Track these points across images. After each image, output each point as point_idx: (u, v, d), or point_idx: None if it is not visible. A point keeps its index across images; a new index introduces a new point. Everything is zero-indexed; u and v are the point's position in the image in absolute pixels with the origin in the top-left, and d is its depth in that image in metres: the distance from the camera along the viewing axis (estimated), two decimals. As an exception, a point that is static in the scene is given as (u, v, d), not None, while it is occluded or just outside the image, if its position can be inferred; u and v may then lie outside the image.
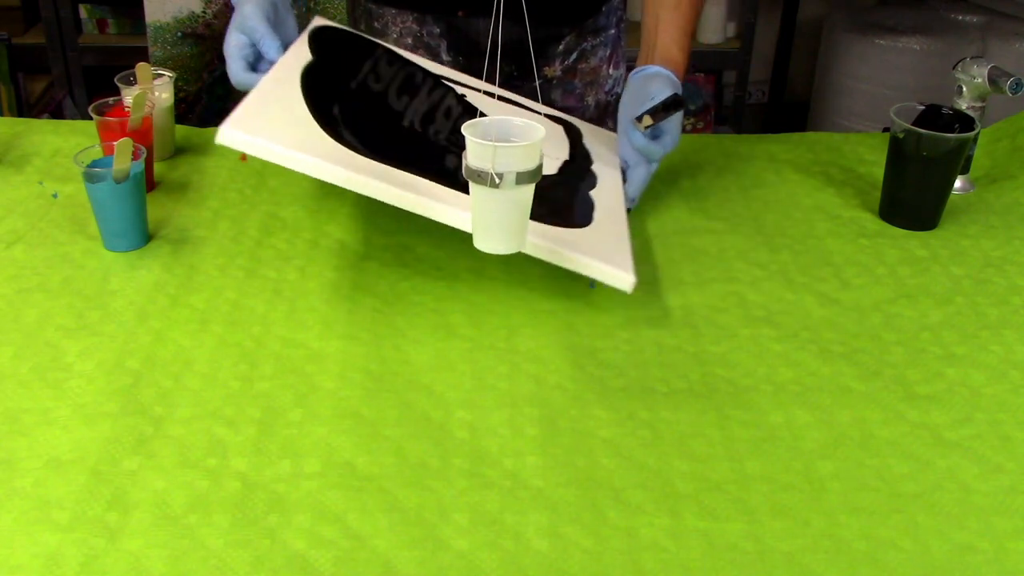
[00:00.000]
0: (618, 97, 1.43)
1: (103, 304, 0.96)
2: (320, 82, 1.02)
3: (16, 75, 2.51)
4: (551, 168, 1.07)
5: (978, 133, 1.18)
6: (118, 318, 0.94)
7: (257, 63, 1.08)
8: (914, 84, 2.70)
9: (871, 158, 1.31)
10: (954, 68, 1.21)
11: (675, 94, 1.10)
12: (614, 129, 1.29)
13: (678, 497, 0.75)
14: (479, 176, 0.80)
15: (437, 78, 1.17)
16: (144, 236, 1.06)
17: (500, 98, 1.18)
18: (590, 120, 1.41)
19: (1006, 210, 1.19)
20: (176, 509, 0.73)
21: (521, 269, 1.03)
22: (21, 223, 1.10)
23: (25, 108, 2.55)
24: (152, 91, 1.21)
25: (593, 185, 1.08)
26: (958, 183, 1.22)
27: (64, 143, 1.27)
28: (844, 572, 0.69)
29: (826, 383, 0.88)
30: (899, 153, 1.13)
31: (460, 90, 1.18)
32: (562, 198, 1.03)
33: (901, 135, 1.11)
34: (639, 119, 1.07)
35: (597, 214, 1.03)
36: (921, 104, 1.15)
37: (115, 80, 1.23)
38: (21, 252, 1.04)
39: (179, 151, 1.28)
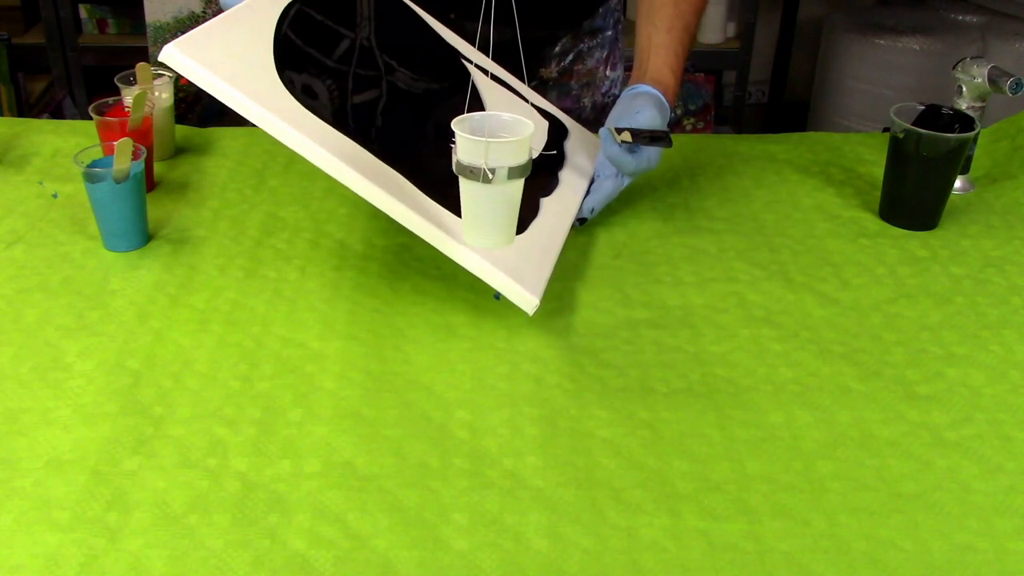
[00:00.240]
0: (615, 99, 1.43)
1: (103, 304, 0.96)
2: (297, 34, 0.99)
3: (16, 75, 2.51)
4: None
5: (978, 133, 1.18)
6: (118, 318, 0.94)
7: None
8: (914, 84, 2.70)
9: (871, 158, 1.31)
10: (954, 68, 1.21)
11: (665, 131, 1.07)
12: None
13: (678, 497, 0.75)
14: (471, 172, 0.81)
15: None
16: (144, 236, 1.06)
17: (493, 77, 1.17)
18: (585, 122, 1.41)
19: (1006, 210, 1.19)
20: (176, 509, 0.73)
21: (521, 269, 1.03)
22: (21, 223, 1.10)
23: (25, 108, 2.55)
24: (152, 91, 1.21)
25: (548, 191, 1.06)
26: (958, 183, 1.22)
27: (64, 143, 1.27)
28: (844, 572, 0.69)
29: (826, 383, 0.88)
30: (899, 153, 1.13)
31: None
32: None
33: (901, 135, 1.11)
34: (619, 130, 1.04)
35: (536, 222, 1.00)
36: (921, 104, 1.15)
37: (115, 80, 1.23)
38: (21, 252, 1.04)
39: (179, 151, 1.28)
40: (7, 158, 1.24)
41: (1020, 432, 0.83)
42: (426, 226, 0.89)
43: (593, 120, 1.41)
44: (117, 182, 1.01)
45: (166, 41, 0.97)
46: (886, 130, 1.19)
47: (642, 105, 1.07)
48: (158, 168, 1.22)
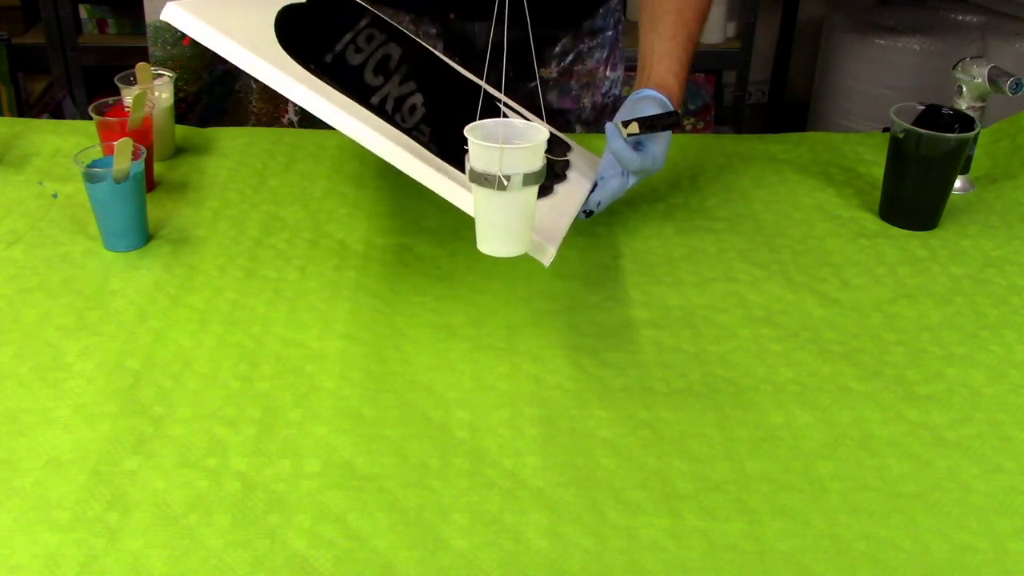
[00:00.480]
0: (616, 99, 1.43)
1: (103, 304, 0.96)
2: (295, 29, 1.00)
3: (16, 75, 2.51)
4: None
5: (978, 133, 1.18)
6: (118, 318, 0.94)
7: None
8: (914, 84, 2.70)
9: (871, 158, 1.31)
10: (954, 68, 1.21)
11: (673, 111, 1.06)
12: None
13: (678, 497, 0.75)
14: (485, 179, 0.80)
15: (424, 62, 1.15)
16: (144, 236, 1.06)
17: (488, 99, 1.17)
18: (585, 122, 1.41)
19: (1006, 210, 1.19)
20: (176, 509, 0.73)
21: (522, 269, 1.03)
22: (21, 223, 1.10)
23: (25, 108, 2.55)
24: (152, 91, 1.21)
25: (559, 180, 1.07)
26: (958, 183, 1.22)
27: (64, 143, 1.27)
28: (844, 572, 0.69)
29: (826, 383, 0.88)
30: (899, 153, 1.13)
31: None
32: None
33: (901, 135, 1.11)
34: (625, 124, 1.02)
35: (552, 193, 1.01)
36: (921, 104, 1.15)
37: (115, 80, 1.23)
38: (21, 252, 1.04)
39: (179, 151, 1.28)
40: (7, 158, 1.24)
41: (1020, 432, 0.83)
42: (433, 175, 0.89)
43: (593, 120, 1.41)
44: (117, 182, 1.01)
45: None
46: (886, 130, 1.19)
47: (647, 106, 1.06)
48: (158, 168, 1.22)
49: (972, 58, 1.20)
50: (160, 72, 1.25)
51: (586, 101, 1.39)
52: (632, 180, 1.07)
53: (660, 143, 1.05)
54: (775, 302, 1.00)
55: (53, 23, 2.42)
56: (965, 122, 1.13)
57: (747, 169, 1.28)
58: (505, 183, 0.79)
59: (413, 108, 1.00)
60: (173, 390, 0.85)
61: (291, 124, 2.00)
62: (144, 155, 1.03)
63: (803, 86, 3.23)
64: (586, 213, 1.05)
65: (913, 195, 1.14)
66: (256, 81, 2.05)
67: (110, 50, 2.50)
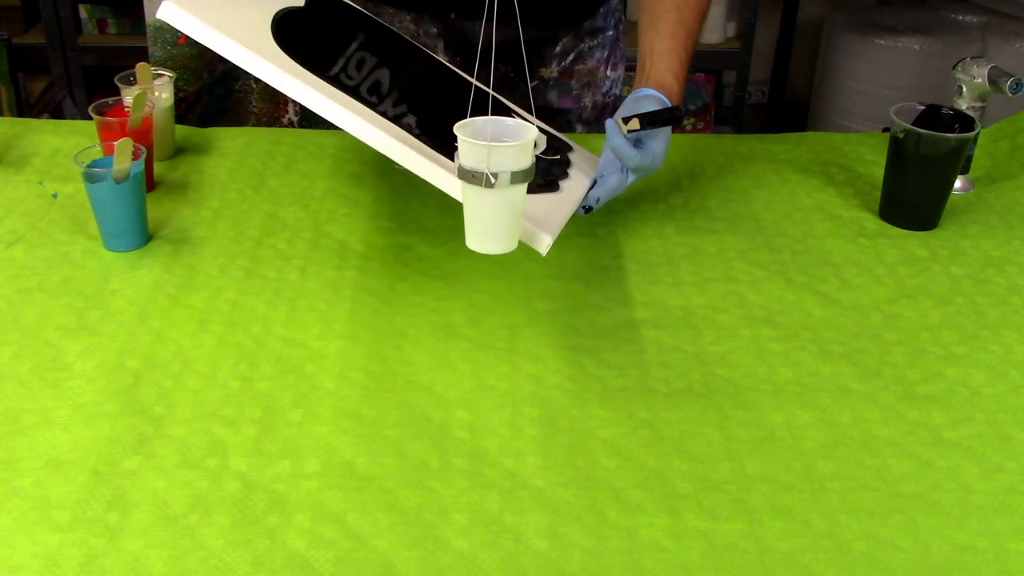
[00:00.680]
0: (616, 98, 1.43)
1: (103, 304, 0.96)
2: (292, 40, 1.01)
3: (16, 75, 2.51)
4: None
5: (978, 133, 1.18)
6: (118, 318, 0.94)
7: None
8: (914, 84, 2.70)
9: (871, 158, 1.31)
10: (954, 68, 1.21)
11: (674, 107, 1.06)
12: None
13: (678, 497, 0.75)
14: (473, 176, 0.80)
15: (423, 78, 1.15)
16: (144, 236, 1.06)
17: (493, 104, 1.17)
18: (586, 121, 1.41)
19: (1006, 210, 1.19)
20: (176, 509, 0.73)
21: (522, 269, 1.03)
22: (21, 223, 1.10)
23: (25, 108, 2.55)
24: (152, 91, 1.21)
25: (563, 177, 1.07)
26: (958, 183, 1.22)
27: (64, 143, 1.27)
28: (844, 572, 0.69)
29: (826, 383, 0.88)
30: (899, 153, 1.13)
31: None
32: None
33: (901, 135, 1.11)
34: (625, 120, 1.02)
35: (559, 190, 1.01)
36: (921, 104, 1.15)
37: (115, 80, 1.23)
38: (21, 252, 1.04)
39: (179, 151, 1.28)
40: (7, 158, 1.24)
41: (1020, 432, 0.83)
42: (429, 166, 0.89)
43: (594, 120, 1.41)
44: (117, 182, 1.01)
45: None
46: (886, 130, 1.19)
47: (646, 105, 1.06)
48: (158, 168, 1.22)
49: (972, 58, 1.20)
50: (160, 72, 1.25)
51: (587, 101, 1.39)
52: (632, 178, 1.06)
53: (660, 141, 1.05)
54: (775, 302, 1.00)
55: (53, 23, 2.42)
56: (965, 122, 1.13)
57: (747, 169, 1.28)
58: (492, 180, 0.80)
59: (408, 127, 1.01)
60: (173, 390, 0.85)
61: (291, 124, 2.00)
62: (144, 155, 1.03)
63: (803, 86, 3.23)
64: (585, 209, 1.05)
65: (913, 195, 1.14)
66: (256, 81, 2.06)
67: (110, 50, 2.49)
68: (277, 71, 0.90)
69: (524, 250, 0.94)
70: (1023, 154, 1.29)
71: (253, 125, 2.19)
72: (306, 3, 1.08)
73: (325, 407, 0.83)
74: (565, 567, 0.69)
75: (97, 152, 1.05)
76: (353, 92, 0.98)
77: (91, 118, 1.18)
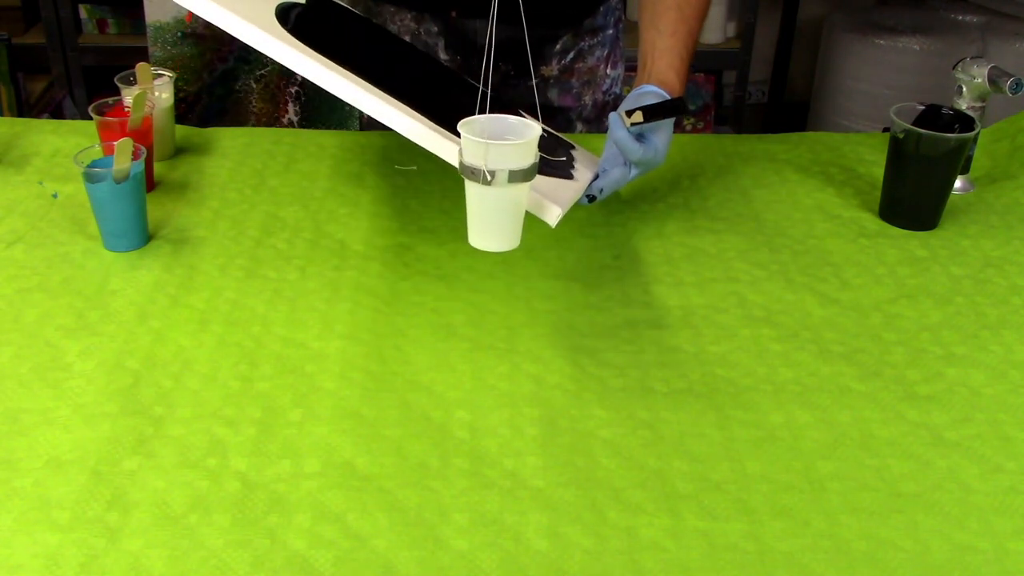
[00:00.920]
0: (616, 97, 1.43)
1: (103, 304, 0.96)
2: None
3: (16, 75, 2.51)
4: None
5: (978, 133, 1.18)
6: (118, 318, 0.94)
7: None
8: (914, 84, 2.70)
9: (871, 158, 1.31)
10: (954, 68, 1.21)
11: (678, 98, 1.06)
12: None
13: (678, 497, 0.75)
14: (472, 173, 0.80)
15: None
16: (144, 236, 1.06)
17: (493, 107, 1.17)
18: (586, 120, 1.41)
19: (1006, 210, 1.19)
20: (176, 509, 0.73)
21: (521, 269, 1.03)
22: (21, 223, 1.10)
23: (25, 108, 2.55)
24: (152, 91, 1.21)
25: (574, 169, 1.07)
26: (958, 183, 1.22)
27: (64, 143, 1.27)
28: (844, 572, 0.69)
29: (826, 383, 0.88)
30: (899, 153, 1.13)
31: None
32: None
33: (901, 135, 1.11)
34: (629, 113, 1.01)
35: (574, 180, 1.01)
36: (921, 104, 1.15)
37: (115, 80, 1.23)
38: (21, 252, 1.04)
39: (179, 151, 1.28)
40: (7, 158, 1.24)
41: (1020, 432, 0.83)
42: (433, 137, 0.89)
43: (594, 119, 1.41)
44: (117, 182, 1.01)
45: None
46: (886, 130, 1.19)
47: (649, 100, 1.05)
48: (158, 168, 1.22)
49: (972, 58, 1.20)
50: (160, 72, 1.25)
51: (587, 99, 1.39)
52: (634, 171, 1.06)
53: (662, 136, 1.05)
54: (775, 302, 1.00)
55: (53, 23, 2.42)
56: (965, 122, 1.13)
57: (747, 169, 1.28)
58: (489, 178, 0.80)
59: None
60: (173, 390, 0.85)
61: (291, 124, 2.00)
62: (144, 155, 1.03)
63: (803, 86, 3.23)
64: (589, 198, 1.04)
65: (913, 195, 1.14)
66: (256, 81, 2.06)
67: (110, 50, 2.49)
68: (288, 48, 0.90)
69: (524, 250, 0.94)
70: (1023, 154, 1.29)
71: (253, 125, 2.19)
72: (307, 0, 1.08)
73: (325, 407, 0.83)
74: (565, 567, 0.69)
75: (97, 152, 1.05)
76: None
77: (91, 118, 1.18)
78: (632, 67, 1.22)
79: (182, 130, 1.32)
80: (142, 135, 1.12)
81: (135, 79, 1.22)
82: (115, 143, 1.01)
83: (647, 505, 0.74)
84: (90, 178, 1.02)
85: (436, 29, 1.32)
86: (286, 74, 1.93)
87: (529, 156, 0.81)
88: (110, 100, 1.19)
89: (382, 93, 0.93)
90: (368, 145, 1.30)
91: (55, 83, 2.51)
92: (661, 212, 1.16)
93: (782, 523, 0.73)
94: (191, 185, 1.20)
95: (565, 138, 1.19)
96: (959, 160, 1.12)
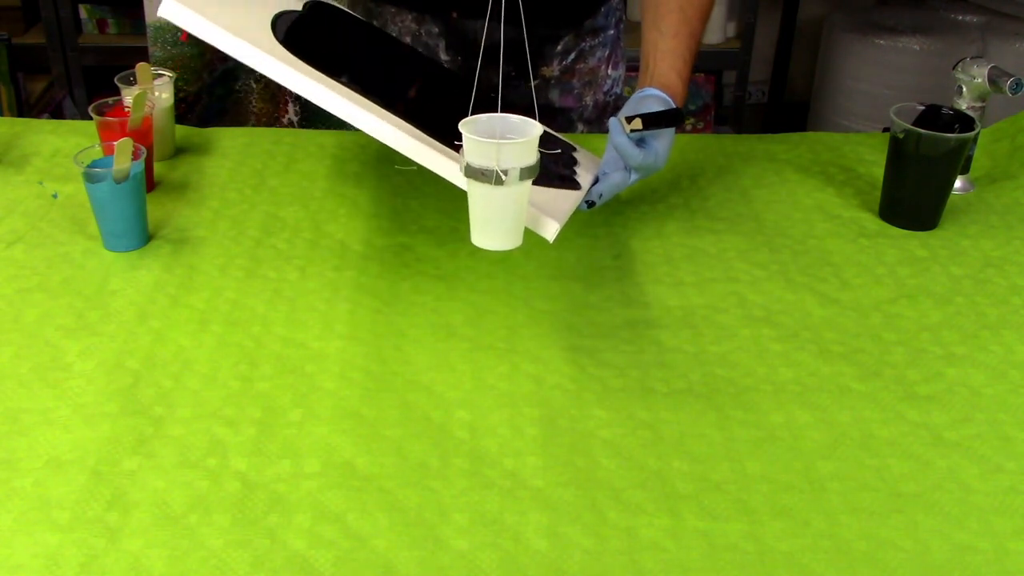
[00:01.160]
0: (617, 97, 1.43)
1: (103, 304, 0.96)
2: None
3: (16, 75, 2.51)
4: None
5: (978, 133, 1.18)
6: (118, 318, 0.94)
7: None
8: (914, 84, 2.70)
9: (871, 158, 1.31)
10: (954, 68, 1.21)
11: (676, 108, 1.05)
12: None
13: (678, 497, 0.75)
14: (482, 174, 0.81)
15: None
16: (144, 236, 1.06)
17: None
18: (587, 120, 1.41)
19: (1006, 210, 1.19)
20: (176, 509, 0.73)
21: (521, 269, 1.03)
22: (21, 223, 1.10)
23: (25, 108, 2.55)
24: (152, 91, 1.21)
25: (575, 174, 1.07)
26: (958, 183, 1.22)
27: (64, 143, 1.27)
28: (844, 572, 0.69)
29: (826, 383, 0.88)
30: (899, 153, 1.13)
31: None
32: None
33: (901, 135, 1.11)
34: (629, 119, 1.01)
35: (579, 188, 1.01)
36: (921, 104, 1.15)
37: (115, 80, 1.23)
38: (21, 252, 1.04)
39: (179, 151, 1.28)
40: (7, 158, 1.24)
41: (1020, 432, 0.83)
42: (439, 160, 0.89)
43: (595, 119, 1.41)
44: (117, 182, 1.01)
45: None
46: (886, 130, 1.19)
47: (650, 104, 1.06)
48: (158, 168, 1.22)
49: (972, 58, 1.20)
50: (160, 72, 1.25)
51: (588, 99, 1.39)
52: (634, 176, 1.06)
53: (663, 141, 1.05)
54: (775, 302, 1.00)
55: (53, 23, 2.42)
56: (965, 122, 1.13)
57: (747, 169, 1.28)
58: (503, 177, 0.80)
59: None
60: (173, 390, 0.85)
61: (291, 124, 2.00)
62: (144, 155, 1.03)
63: (803, 86, 3.23)
64: (588, 203, 1.04)
65: (913, 195, 1.14)
66: (256, 81, 2.06)
67: (110, 50, 2.49)
68: (281, 66, 0.90)
69: (524, 250, 0.94)
70: (1023, 154, 1.29)
71: (253, 125, 2.19)
72: (304, 7, 1.08)
73: (325, 407, 0.83)
74: (565, 567, 0.69)
75: (97, 152, 1.05)
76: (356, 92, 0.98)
77: (91, 118, 1.18)
78: (633, 67, 1.22)
79: (182, 130, 1.32)
80: (142, 135, 1.12)
81: (135, 79, 1.22)
82: (115, 143, 1.01)
83: (647, 505, 0.74)
84: (90, 178, 1.02)
85: (437, 30, 1.32)
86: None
87: (535, 152, 0.82)
88: (110, 100, 1.19)
89: (378, 107, 0.93)
90: (368, 145, 1.30)
91: (55, 83, 2.51)
92: (661, 212, 1.16)
93: (782, 523, 0.73)
94: (191, 185, 1.20)
95: (565, 139, 1.19)
96: (959, 160, 1.12)
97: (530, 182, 0.84)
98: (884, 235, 1.13)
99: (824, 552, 0.71)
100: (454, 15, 1.31)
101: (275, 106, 2.21)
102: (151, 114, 1.15)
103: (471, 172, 0.81)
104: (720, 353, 0.92)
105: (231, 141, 1.31)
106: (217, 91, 2.23)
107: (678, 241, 1.10)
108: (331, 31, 1.13)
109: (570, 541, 0.71)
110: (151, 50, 2.19)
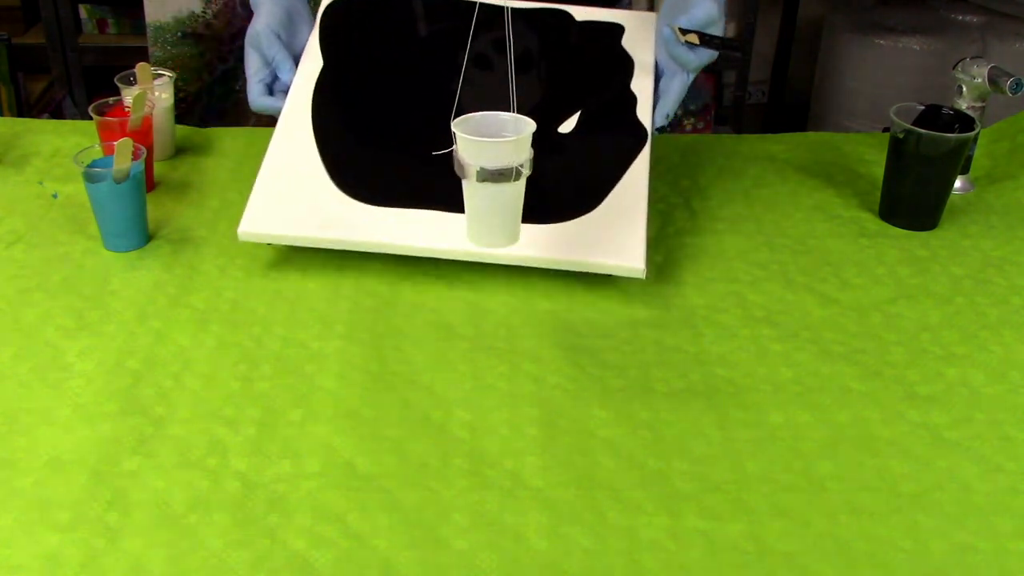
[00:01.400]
0: None
1: (103, 304, 0.96)
2: (328, 98, 1.05)
3: (16, 75, 2.51)
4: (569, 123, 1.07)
5: (978, 133, 1.18)
6: (118, 318, 0.94)
7: (274, 83, 1.12)
8: (914, 84, 2.70)
9: (871, 158, 1.31)
10: (954, 68, 1.21)
11: (737, 42, 1.06)
12: None
13: (678, 497, 0.75)
14: (501, 175, 0.81)
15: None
16: (144, 236, 1.06)
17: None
18: None
19: (1006, 210, 1.19)
20: (176, 509, 0.73)
21: (521, 269, 1.03)
22: (21, 223, 1.10)
23: (25, 108, 2.55)
24: (152, 91, 1.21)
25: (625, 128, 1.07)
26: (958, 183, 1.22)
27: (64, 143, 1.27)
28: (844, 572, 0.69)
29: (826, 383, 0.88)
30: (899, 153, 1.13)
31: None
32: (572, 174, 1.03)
33: (901, 135, 1.11)
34: (684, 31, 1.01)
35: (614, 191, 1.02)
36: (921, 104, 1.15)
37: (115, 80, 1.23)
38: (21, 252, 1.04)
39: (179, 151, 1.28)
40: (7, 158, 1.24)
41: (1020, 432, 0.83)
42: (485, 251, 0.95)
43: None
44: (117, 182, 1.01)
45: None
46: (886, 130, 1.20)
47: (696, 3, 1.04)
48: (158, 168, 1.22)
49: (972, 58, 1.20)
50: (160, 72, 1.25)
51: None
52: (691, 76, 1.06)
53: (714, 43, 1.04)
54: (775, 302, 1.00)
55: (53, 23, 2.42)
56: (965, 122, 1.13)
57: (747, 169, 1.28)
58: (523, 171, 0.81)
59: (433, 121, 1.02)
60: (173, 390, 0.85)
61: (291, 124, 2.00)
62: (144, 155, 1.03)
63: (803, 86, 3.23)
64: (658, 130, 1.03)
65: (913, 195, 1.14)
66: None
67: (110, 50, 2.49)
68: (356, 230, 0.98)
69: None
70: (1023, 154, 1.29)
71: (253, 125, 2.19)
72: (322, 53, 1.11)
73: (325, 407, 0.83)
74: (565, 567, 0.69)
75: (97, 152, 1.05)
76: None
77: (91, 118, 1.18)
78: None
79: (182, 130, 1.32)
80: (142, 135, 1.12)
81: (135, 79, 1.22)
82: (115, 143, 1.01)
83: (647, 505, 0.74)
84: (90, 178, 1.02)
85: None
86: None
87: (528, 147, 0.85)
88: (110, 100, 1.19)
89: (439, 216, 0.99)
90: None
91: (55, 83, 2.51)
92: (661, 212, 1.16)
93: (782, 523, 0.73)
94: (191, 185, 1.20)
95: (618, 22, 1.16)
96: (959, 160, 1.12)
97: (524, 179, 0.85)
98: (884, 235, 1.13)
99: (824, 552, 0.71)
100: None
101: (275, 106, 2.20)
102: (151, 114, 1.15)
103: (486, 176, 0.81)
104: (720, 353, 0.92)
105: (231, 141, 1.31)
106: (217, 91, 2.23)
107: (678, 241, 1.10)
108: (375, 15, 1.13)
109: (570, 541, 0.71)
110: (151, 50, 2.19)
